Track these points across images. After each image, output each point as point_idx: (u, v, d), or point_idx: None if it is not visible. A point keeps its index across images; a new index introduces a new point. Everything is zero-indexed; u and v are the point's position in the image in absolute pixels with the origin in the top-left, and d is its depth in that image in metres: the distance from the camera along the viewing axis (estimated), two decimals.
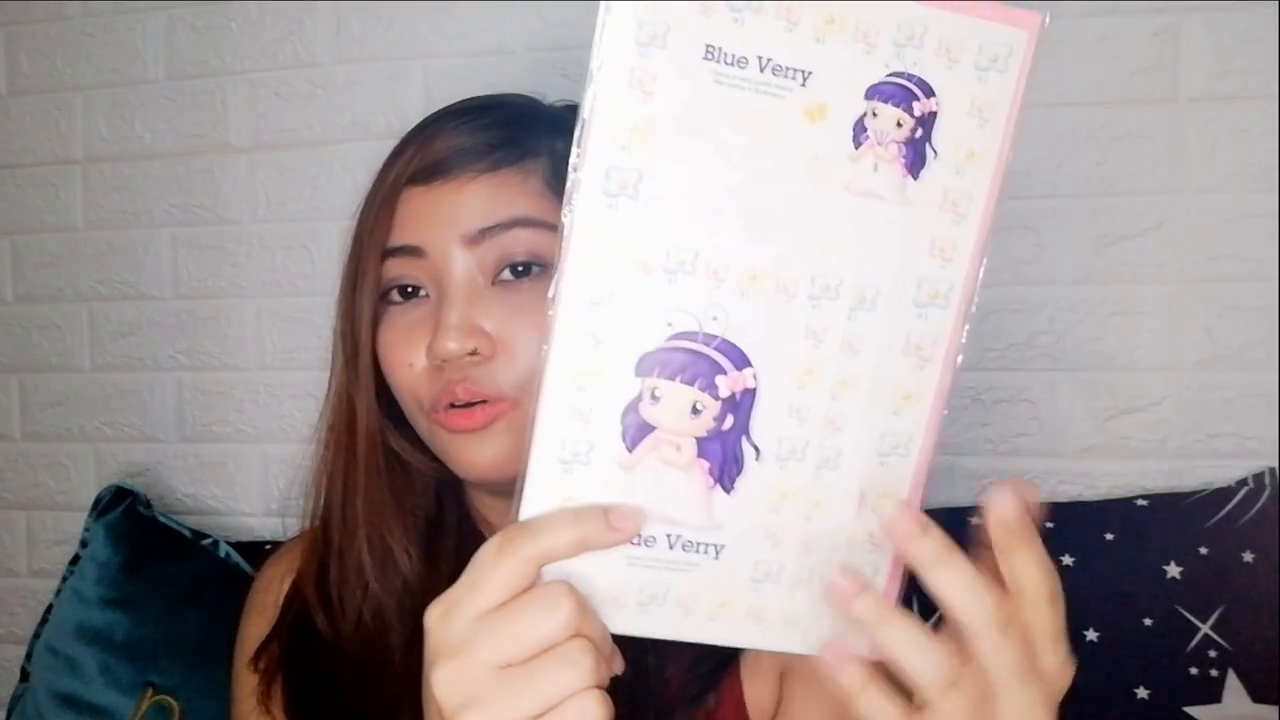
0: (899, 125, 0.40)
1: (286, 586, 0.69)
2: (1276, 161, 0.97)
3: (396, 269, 0.61)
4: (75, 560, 1.07)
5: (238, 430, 1.20)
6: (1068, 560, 0.94)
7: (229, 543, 1.09)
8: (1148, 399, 1.01)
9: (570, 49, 1.09)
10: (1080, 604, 0.92)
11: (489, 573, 0.39)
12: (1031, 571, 0.41)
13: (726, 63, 0.39)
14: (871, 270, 0.41)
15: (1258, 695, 0.88)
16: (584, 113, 0.38)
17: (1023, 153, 1.00)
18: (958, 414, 1.05)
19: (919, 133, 0.40)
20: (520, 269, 0.59)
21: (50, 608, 1.07)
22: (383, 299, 0.62)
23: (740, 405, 0.41)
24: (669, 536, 0.42)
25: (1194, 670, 0.89)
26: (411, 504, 0.65)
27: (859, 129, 0.40)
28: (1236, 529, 0.93)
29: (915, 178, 0.41)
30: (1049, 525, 0.96)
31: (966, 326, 0.43)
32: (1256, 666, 0.89)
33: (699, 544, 0.42)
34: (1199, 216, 0.99)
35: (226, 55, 1.18)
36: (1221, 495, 0.95)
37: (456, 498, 0.68)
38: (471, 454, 0.59)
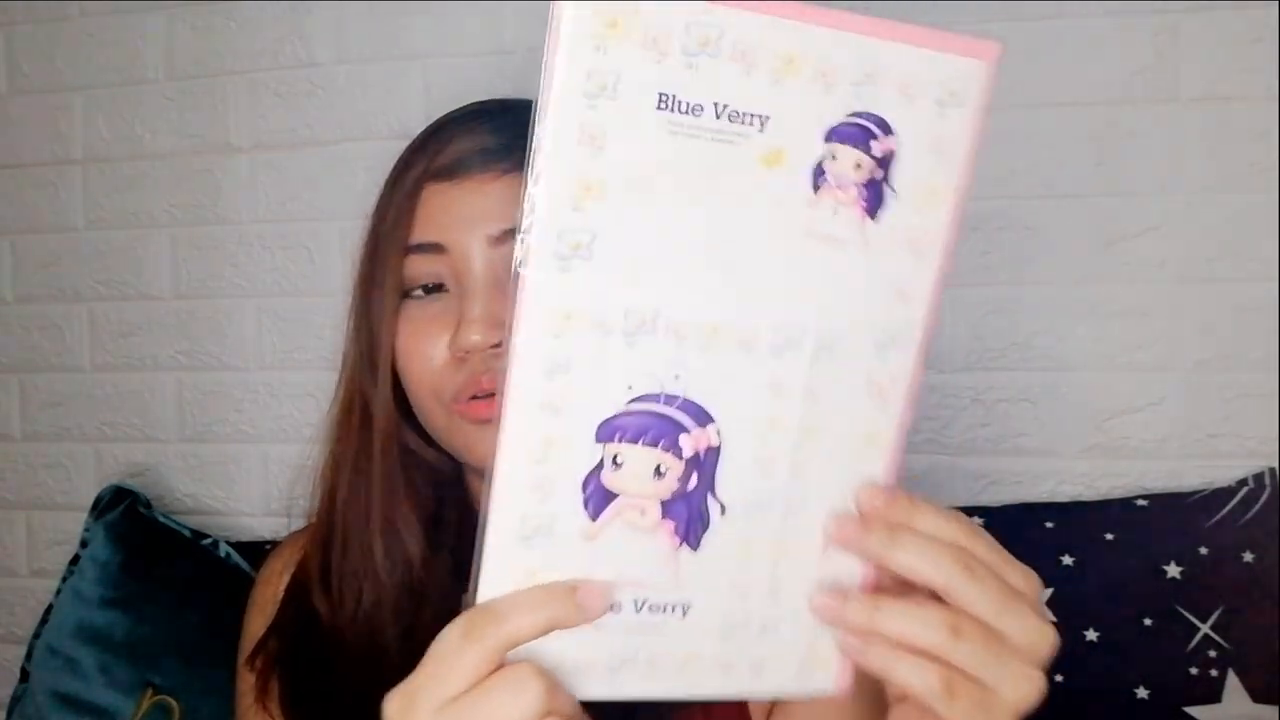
0: (858, 167, 0.39)
1: (287, 579, 0.69)
2: (1276, 161, 0.97)
3: (417, 265, 0.61)
4: (75, 560, 1.07)
5: (238, 430, 1.20)
6: (1068, 560, 0.94)
7: (229, 543, 1.10)
8: (1148, 399, 1.01)
9: None
10: (1080, 604, 0.92)
11: (453, 660, 0.37)
12: (941, 525, 0.40)
13: (681, 111, 0.36)
14: (833, 316, 0.40)
15: (1258, 695, 0.88)
16: (531, 173, 0.35)
17: (1023, 153, 1.02)
18: (958, 414, 1.05)
19: (878, 173, 0.39)
20: None
21: (50, 608, 1.07)
22: (401, 294, 0.63)
23: (704, 463, 0.40)
24: (635, 601, 0.40)
25: (1194, 670, 0.89)
26: (418, 496, 0.66)
27: (818, 172, 0.38)
28: (1236, 529, 0.93)
29: (874, 219, 0.39)
30: (1049, 525, 0.96)
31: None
32: (1256, 666, 0.89)
33: (666, 605, 0.41)
34: (1199, 216, 0.99)
35: (226, 55, 1.18)
36: (1221, 495, 0.95)
37: (458, 492, 0.68)
38: None
